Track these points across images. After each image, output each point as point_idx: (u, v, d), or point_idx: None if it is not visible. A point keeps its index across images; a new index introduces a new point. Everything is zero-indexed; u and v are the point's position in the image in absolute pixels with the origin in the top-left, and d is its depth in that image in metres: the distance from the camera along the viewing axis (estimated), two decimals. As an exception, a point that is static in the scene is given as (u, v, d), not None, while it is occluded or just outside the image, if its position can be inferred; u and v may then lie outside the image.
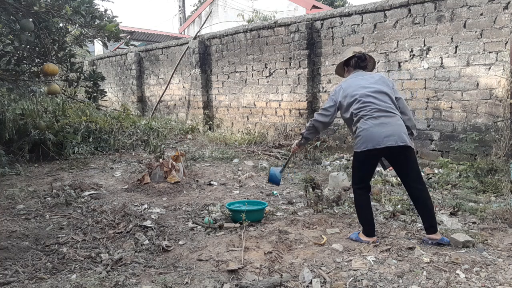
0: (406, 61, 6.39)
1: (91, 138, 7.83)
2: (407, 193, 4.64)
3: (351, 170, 6.28)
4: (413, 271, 2.81)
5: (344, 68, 3.65)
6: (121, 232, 3.72)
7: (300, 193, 5.04)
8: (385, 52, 6.59)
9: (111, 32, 3.86)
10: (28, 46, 4.16)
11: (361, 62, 3.52)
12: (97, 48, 17.55)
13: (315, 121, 3.53)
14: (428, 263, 2.92)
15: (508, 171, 4.93)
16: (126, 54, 12.46)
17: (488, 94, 5.60)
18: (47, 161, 7.01)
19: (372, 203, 4.46)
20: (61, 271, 2.97)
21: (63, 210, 4.46)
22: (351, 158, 6.95)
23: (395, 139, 3.15)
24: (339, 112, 3.47)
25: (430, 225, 3.27)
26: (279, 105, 8.39)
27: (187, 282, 2.73)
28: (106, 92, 4.81)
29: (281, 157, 7.20)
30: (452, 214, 4.07)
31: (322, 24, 7.50)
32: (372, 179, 5.26)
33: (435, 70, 6.08)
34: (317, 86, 7.72)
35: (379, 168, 5.75)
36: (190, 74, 10.29)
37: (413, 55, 6.29)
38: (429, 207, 3.27)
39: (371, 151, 3.20)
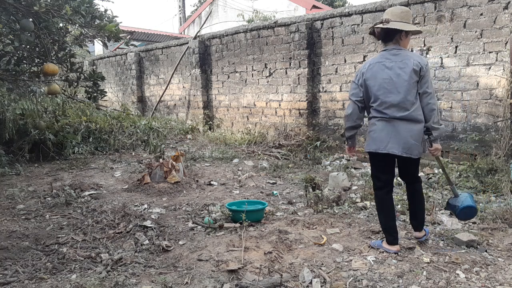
0: (406, 61, 6.38)
1: (91, 138, 7.83)
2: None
3: (351, 170, 6.32)
4: (413, 271, 2.81)
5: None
6: (121, 232, 3.72)
7: (300, 193, 5.04)
8: (385, 52, 6.58)
9: (111, 32, 3.85)
10: (28, 46, 4.15)
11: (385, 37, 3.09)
12: (97, 48, 17.54)
13: None
14: (428, 263, 2.92)
15: (508, 171, 4.93)
16: (126, 54, 12.46)
17: (488, 94, 5.60)
18: (47, 161, 7.01)
19: (372, 203, 4.48)
20: (61, 271, 2.97)
21: (63, 210, 4.46)
22: (351, 158, 6.99)
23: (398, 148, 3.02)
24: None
25: (420, 223, 3.29)
26: (279, 105, 8.38)
27: (187, 282, 2.73)
28: (106, 92, 4.80)
29: (281, 157, 7.20)
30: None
31: (322, 24, 7.50)
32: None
33: (435, 70, 6.08)
34: (317, 86, 7.72)
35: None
36: (190, 74, 10.29)
37: (413, 55, 6.28)
38: (422, 204, 3.29)
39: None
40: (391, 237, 3.13)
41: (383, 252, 3.11)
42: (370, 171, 3.37)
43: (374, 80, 3.04)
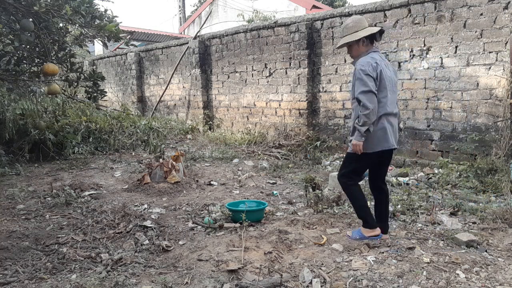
0: (406, 61, 6.39)
1: (91, 138, 7.83)
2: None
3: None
4: (413, 271, 2.81)
5: (363, 40, 3.25)
6: (121, 232, 3.72)
7: (300, 193, 5.04)
8: (385, 52, 6.59)
9: (111, 32, 3.86)
10: (28, 46, 4.15)
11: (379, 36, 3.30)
12: (97, 48, 17.54)
13: None
14: (428, 263, 2.92)
15: (508, 171, 4.93)
16: (126, 54, 12.46)
17: (488, 94, 5.60)
18: (47, 161, 7.01)
19: (372, 203, 4.47)
20: (61, 271, 2.97)
21: (63, 210, 4.46)
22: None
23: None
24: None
25: (387, 224, 3.49)
26: (279, 105, 8.39)
27: (187, 282, 2.73)
28: (106, 92, 4.81)
29: (281, 157, 7.20)
30: (452, 214, 4.07)
31: (322, 24, 7.50)
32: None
33: (435, 70, 6.08)
34: (317, 86, 7.72)
35: None
36: (190, 74, 10.29)
37: (413, 55, 6.29)
38: (388, 208, 3.53)
39: None
40: (371, 221, 3.32)
41: (383, 252, 3.11)
42: (354, 169, 3.35)
43: (385, 76, 3.17)
